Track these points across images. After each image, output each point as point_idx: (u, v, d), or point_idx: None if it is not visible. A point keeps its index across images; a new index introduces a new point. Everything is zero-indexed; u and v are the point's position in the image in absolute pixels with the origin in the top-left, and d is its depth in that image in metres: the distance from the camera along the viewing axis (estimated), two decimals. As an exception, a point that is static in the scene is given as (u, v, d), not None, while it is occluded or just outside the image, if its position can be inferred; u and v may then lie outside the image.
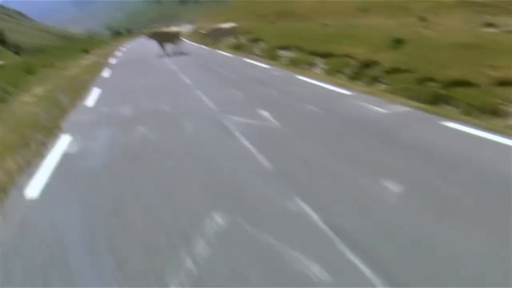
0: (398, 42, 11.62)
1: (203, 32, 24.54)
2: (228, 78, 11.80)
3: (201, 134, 6.33)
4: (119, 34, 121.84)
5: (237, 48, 21.78)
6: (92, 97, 10.42)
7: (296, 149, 5.25)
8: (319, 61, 13.52)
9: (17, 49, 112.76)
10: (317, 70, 12.99)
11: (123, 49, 29.86)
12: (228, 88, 10.07)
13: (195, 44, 27.86)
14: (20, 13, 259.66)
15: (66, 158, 5.71)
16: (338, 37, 15.02)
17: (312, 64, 13.60)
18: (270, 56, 16.98)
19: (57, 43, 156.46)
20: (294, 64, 14.33)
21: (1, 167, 5.43)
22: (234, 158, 5.11)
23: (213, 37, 24.50)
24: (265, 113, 7.07)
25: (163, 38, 21.18)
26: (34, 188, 4.68)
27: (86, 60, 22.31)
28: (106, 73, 15.46)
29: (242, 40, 24.21)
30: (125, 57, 23.52)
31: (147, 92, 10.58)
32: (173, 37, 21.49)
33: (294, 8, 26.24)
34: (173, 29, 23.69)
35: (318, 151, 5.12)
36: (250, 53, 19.35)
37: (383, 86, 9.54)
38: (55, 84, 13.30)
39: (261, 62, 15.36)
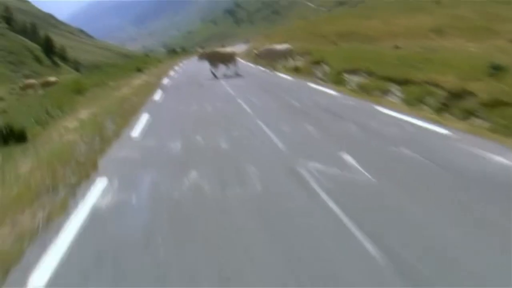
0: (496, 69, 9.82)
1: (256, 52, 23.34)
2: (293, 106, 10.37)
3: (271, 188, 4.85)
4: (174, 52, 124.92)
5: (297, 71, 20.43)
6: (140, 125, 9.30)
7: (409, 222, 3.68)
8: (394, 88, 11.91)
9: (76, 66, 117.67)
10: (393, 99, 11.37)
11: (177, 68, 29.33)
12: (295, 119, 8.64)
13: (251, 65, 26.78)
14: (82, 31, 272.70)
15: (93, 218, 4.40)
16: (415, 61, 13.36)
17: (386, 91, 11.99)
18: (335, 80, 15.49)
19: (115, 61, 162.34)
20: (365, 91, 12.77)
21: (12, 227, 4.21)
22: (322, 234, 3.62)
23: (266, 58, 23.03)
24: (349, 159, 5.56)
25: (217, 59, 20.19)
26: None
27: (139, 80, 21.69)
28: (157, 96, 14.51)
29: (302, 62, 22.93)
30: (178, 77, 22.78)
31: (201, 121, 9.32)
32: (227, 58, 20.52)
33: (357, 28, 24.73)
34: (228, 49, 22.52)
35: (442, 230, 3.51)
36: (312, 77, 17.98)
37: (482, 123, 7.79)
38: (102, 106, 12.40)
39: (326, 87, 13.90)
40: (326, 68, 17.94)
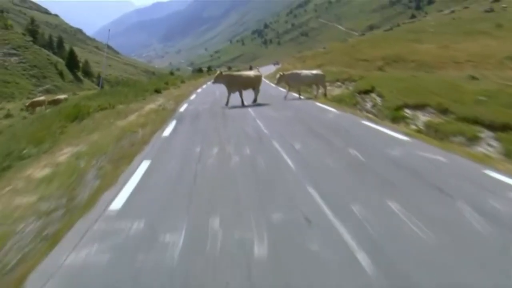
0: None
1: (278, 76, 20.45)
2: (356, 161, 7.20)
3: None
4: (200, 71, 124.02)
5: (340, 101, 17.51)
6: (131, 183, 6.40)
7: None
8: (485, 134, 8.85)
9: (99, 79, 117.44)
10: (486, 150, 8.32)
11: (200, 90, 26.48)
12: (371, 193, 5.41)
13: (282, 89, 23.98)
14: (109, 47, 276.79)
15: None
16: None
17: (473, 139, 8.92)
18: (393, 116, 12.49)
19: (139, 77, 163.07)
20: (439, 135, 9.76)
21: None
22: None
23: (290, 84, 20.19)
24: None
25: (237, 84, 17.56)
26: None
27: (153, 104, 18.99)
28: (169, 129, 11.63)
29: (343, 89, 20.02)
30: (199, 102, 19.93)
31: (222, 182, 6.23)
32: (251, 84, 17.98)
33: (408, 53, 21.83)
34: (251, 72, 19.37)
35: None
36: (360, 110, 15.08)
37: None
38: (95, 143, 9.59)
39: (385, 126, 10.92)
40: (378, 99, 15.00)
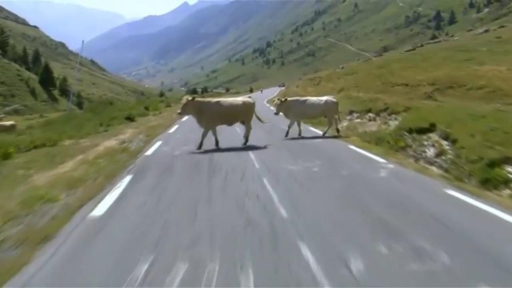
0: None
1: (281, 101, 16.35)
2: None
3: None
4: (194, 92, 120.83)
5: (379, 142, 13.53)
6: None
7: None
8: None
9: (80, 100, 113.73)
10: None
11: (185, 119, 21.99)
12: None
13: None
14: (94, 63, 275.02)
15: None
16: None
17: None
18: (485, 177, 8.45)
19: (126, 98, 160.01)
20: None
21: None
22: None
23: (290, 116, 16.10)
24: None
25: (214, 116, 13.20)
26: None
27: (114, 139, 14.92)
28: (111, 195, 7.43)
29: (379, 124, 16.08)
30: (178, 139, 15.22)
31: None
32: (237, 114, 13.70)
33: (467, 76, 17.88)
34: (238, 99, 14.54)
35: None
36: (416, 158, 11.14)
37: None
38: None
39: (479, 197, 6.94)
40: (445, 145, 11.07)
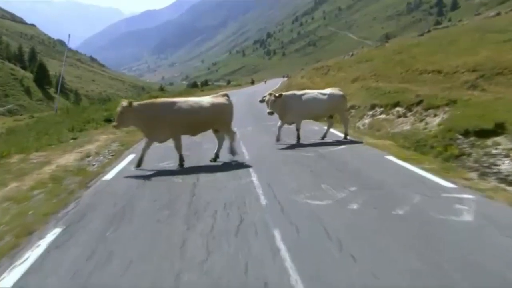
0: None
1: (275, 96, 12.50)
2: None
3: None
4: (195, 86, 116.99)
5: (418, 147, 10.27)
6: None
7: None
8: None
9: (78, 98, 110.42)
10: None
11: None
12: None
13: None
14: (93, 59, 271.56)
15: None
16: None
17: None
18: None
19: (126, 93, 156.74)
20: None
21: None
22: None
23: (287, 116, 12.28)
24: None
25: (168, 124, 9.47)
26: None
27: (78, 152, 11.57)
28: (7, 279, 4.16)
29: (420, 123, 12.73)
30: (160, 148, 11.69)
31: None
32: (205, 122, 9.88)
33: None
34: (205, 99, 10.43)
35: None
36: (483, 174, 7.85)
37: None
38: None
39: None
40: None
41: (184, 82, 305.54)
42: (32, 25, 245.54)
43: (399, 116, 13.90)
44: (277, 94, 12.01)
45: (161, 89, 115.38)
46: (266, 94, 12.14)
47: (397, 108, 14.32)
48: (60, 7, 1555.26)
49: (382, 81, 18.43)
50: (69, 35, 41.97)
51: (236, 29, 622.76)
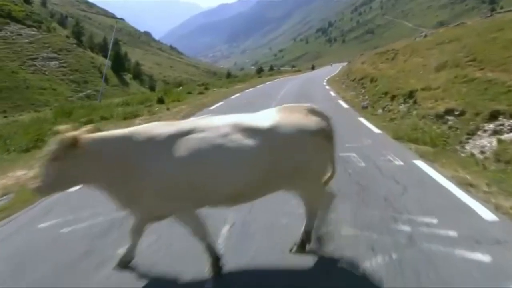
0: None
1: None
2: None
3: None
4: (261, 71, 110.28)
5: None
6: None
7: None
8: None
9: (152, 83, 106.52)
10: None
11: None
12: None
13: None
14: (173, 48, 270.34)
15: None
16: None
17: None
18: None
19: (199, 78, 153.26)
20: None
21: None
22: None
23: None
24: None
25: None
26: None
27: None
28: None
29: None
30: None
31: None
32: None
33: None
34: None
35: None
36: None
37: None
38: None
39: None
40: None
41: (253, 67, 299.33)
42: (121, 19, 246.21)
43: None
44: (72, 134, 3.14)
45: (228, 75, 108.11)
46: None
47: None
48: (146, 3, 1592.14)
49: (488, 67, 10.75)
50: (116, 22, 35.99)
51: (301, 19, 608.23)
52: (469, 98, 9.25)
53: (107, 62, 35.69)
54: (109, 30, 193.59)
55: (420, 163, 6.70)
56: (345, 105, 15.80)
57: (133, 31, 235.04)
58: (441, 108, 9.72)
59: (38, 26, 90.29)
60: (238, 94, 23.52)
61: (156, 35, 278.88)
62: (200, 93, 24.94)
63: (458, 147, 7.95)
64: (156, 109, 16.40)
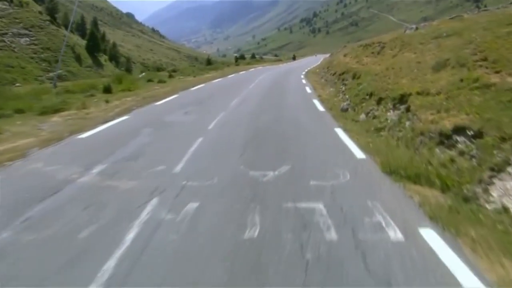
0: None
1: None
2: None
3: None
4: (242, 58, 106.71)
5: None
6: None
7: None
8: None
9: (129, 65, 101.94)
10: None
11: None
12: None
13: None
14: (155, 31, 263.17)
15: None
16: None
17: None
18: None
19: (179, 62, 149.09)
20: None
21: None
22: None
23: None
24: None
25: None
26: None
27: None
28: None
29: None
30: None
31: None
32: None
33: None
34: None
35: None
36: None
37: None
38: None
39: None
40: None
41: (235, 54, 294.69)
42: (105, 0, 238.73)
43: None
44: None
45: (208, 63, 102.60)
46: None
47: None
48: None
49: (507, 72, 8.13)
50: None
51: (287, 7, 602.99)
52: (489, 114, 6.54)
53: (65, 40, 32.12)
54: (90, 9, 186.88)
55: (433, 238, 3.82)
56: (320, 107, 12.99)
57: (114, 11, 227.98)
58: (447, 125, 7.00)
59: (10, 0, 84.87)
60: (202, 85, 20.52)
61: (140, 17, 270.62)
62: (161, 81, 21.83)
63: (480, 190, 5.25)
64: (95, 100, 13.35)
